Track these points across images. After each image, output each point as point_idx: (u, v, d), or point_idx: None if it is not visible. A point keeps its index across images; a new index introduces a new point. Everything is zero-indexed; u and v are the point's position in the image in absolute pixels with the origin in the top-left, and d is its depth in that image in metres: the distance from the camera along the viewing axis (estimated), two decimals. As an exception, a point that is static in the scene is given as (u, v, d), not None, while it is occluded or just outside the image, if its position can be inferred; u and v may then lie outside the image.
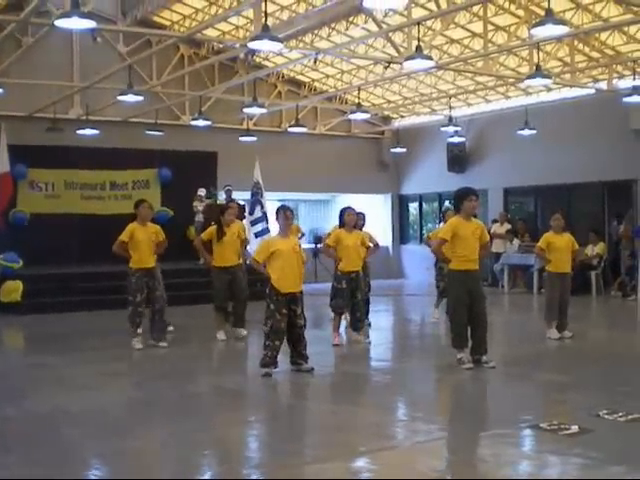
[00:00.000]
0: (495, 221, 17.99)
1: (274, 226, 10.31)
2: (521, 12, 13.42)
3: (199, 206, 16.16)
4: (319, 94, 19.01)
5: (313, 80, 19.45)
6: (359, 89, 16.55)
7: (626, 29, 13.80)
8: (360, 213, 10.45)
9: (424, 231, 21.15)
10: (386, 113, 20.85)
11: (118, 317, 10.67)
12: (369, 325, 10.96)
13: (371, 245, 10.30)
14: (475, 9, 13.49)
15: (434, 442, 5.60)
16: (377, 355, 9.57)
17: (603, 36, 14.34)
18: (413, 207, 22.02)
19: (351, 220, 9.81)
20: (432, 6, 13.15)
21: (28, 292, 13.37)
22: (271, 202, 17.12)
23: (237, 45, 15.11)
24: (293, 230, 9.93)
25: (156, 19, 17.00)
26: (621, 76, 15.49)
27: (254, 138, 17.94)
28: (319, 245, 16.78)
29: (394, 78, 17.04)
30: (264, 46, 10.38)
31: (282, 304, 7.74)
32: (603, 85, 15.55)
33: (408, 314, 14.78)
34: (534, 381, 7.68)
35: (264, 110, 16.35)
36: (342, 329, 10.28)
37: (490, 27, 13.89)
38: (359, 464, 5.13)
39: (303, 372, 7.91)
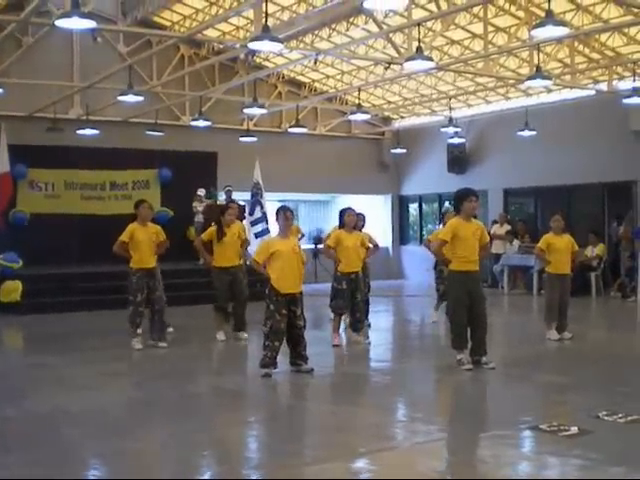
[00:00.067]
0: (495, 222, 17.99)
1: (274, 227, 10.31)
2: (521, 13, 13.42)
3: (199, 206, 16.16)
4: (319, 95, 19.02)
5: (313, 81, 19.45)
6: (359, 90, 16.53)
7: (626, 30, 13.80)
8: (360, 214, 10.46)
9: (424, 232, 21.17)
10: (386, 114, 20.86)
11: (118, 317, 10.68)
12: (369, 326, 10.95)
13: (371, 246, 10.31)
14: (475, 10, 13.49)
15: (434, 443, 5.60)
16: (377, 356, 9.57)
17: (603, 37, 14.34)
18: (413, 208, 22.03)
19: (351, 221, 9.82)
20: (432, 7, 13.17)
21: (28, 292, 13.38)
22: (271, 203, 17.12)
23: (237, 45, 15.11)
24: (293, 231, 9.91)
25: (156, 19, 17.00)
26: (621, 77, 15.49)
27: (254, 138, 17.94)
28: (319, 246, 16.78)
29: (394, 79, 17.04)
30: (264, 47, 10.38)
31: (282, 305, 7.74)
32: (603, 86, 15.55)
33: (408, 315, 14.78)
34: (534, 382, 7.68)
35: (264, 111, 16.35)
36: (342, 330, 10.28)
37: (490, 28, 13.89)
38: (359, 465, 5.14)
39: (303, 373, 7.91)
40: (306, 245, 17.50)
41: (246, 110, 15.86)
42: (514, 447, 5.50)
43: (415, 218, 22.04)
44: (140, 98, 14.48)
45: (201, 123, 16.39)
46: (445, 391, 7.79)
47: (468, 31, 14.63)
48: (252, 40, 9.85)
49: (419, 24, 11.57)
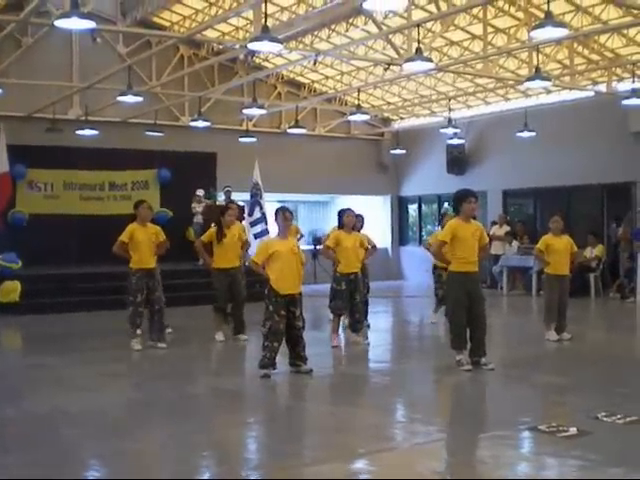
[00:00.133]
0: (494, 223, 18.00)
1: (273, 227, 10.31)
2: (521, 14, 13.43)
3: (197, 207, 16.17)
4: (319, 95, 19.02)
5: (313, 81, 19.45)
6: (359, 90, 16.55)
7: (625, 32, 13.81)
8: (358, 215, 10.46)
9: (423, 232, 21.19)
10: (386, 115, 20.86)
11: (117, 318, 10.68)
12: (368, 327, 10.96)
13: (369, 247, 10.32)
14: (475, 11, 13.50)
15: (433, 444, 5.60)
16: (376, 356, 9.57)
17: (602, 39, 14.35)
18: (412, 209, 22.03)
19: (350, 222, 9.83)
20: (432, 8, 13.18)
21: (27, 292, 13.37)
22: (270, 203, 17.11)
23: (237, 46, 15.11)
24: (292, 231, 9.93)
25: (156, 20, 17.00)
26: (620, 79, 15.50)
27: (253, 139, 17.94)
28: (318, 246, 16.78)
29: (394, 80, 17.04)
30: (264, 47, 10.38)
31: (281, 305, 7.74)
32: (602, 88, 15.56)
33: (407, 316, 14.78)
34: (533, 383, 7.69)
35: (264, 111, 16.34)
36: (341, 330, 10.28)
37: (490, 29, 13.90)
38: (358, 465, 5.14)
39: (302, 373, 7.91)
40: (305, 246, 17.50)
41: (245, 111, 15.86)
42: (513, 448, 5.50)
43: (414, 219, 22.04)
44: (139, 98, 14.48)
45: (200, 124, 16.39)
46: (444, 392, 7.80)
47: (467, 32, 14.63)
48: (251, 41, 9.85)
49: (419, 25, 11.57)
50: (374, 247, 10.76)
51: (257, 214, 17.04)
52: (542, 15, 11.37)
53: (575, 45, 14.35)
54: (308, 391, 7.66)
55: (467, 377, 7.79)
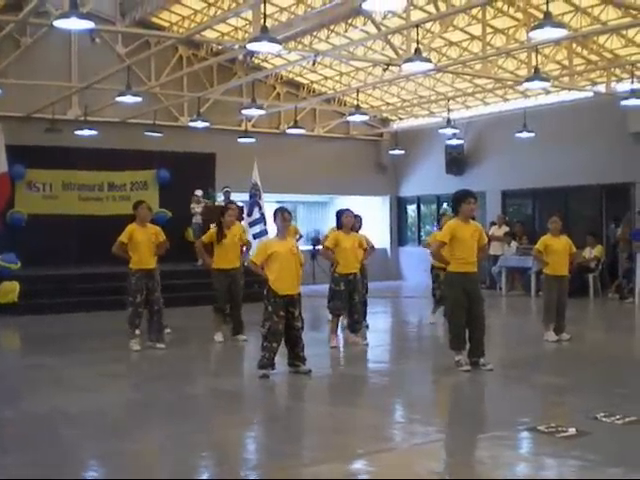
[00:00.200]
0: (493, 223, 18.00)
1: (272, 228, 10.31)
2: (520, 15, 13.44)
3: (196, 207, 16.16)
4: (318, 96, 19.02)
5: (312, 82, 19.46)
6: (358, 91, 16.55)
7: (624, 32, 13.82)
8: (357, 216, 10.46)
9: (422, 233, 21.19)
10: (385, 115, 20.87)
11: (116, 318, 10.68)
12: (367, 327, 10.97)
13: (368, 247, 10.32)
14: (474, 12, 13.51)
15: (432, 444, 5.60)
16: (375, 357, 9.57)
17: (601, 39, 14.36)
18: (411, 209, 22.04)
19: (349, 222, 9.83)
20: (431, 9, 13.19)
21: (25, 293, 13.36)
22: (269, 204, 17.11)
23: (236, 46, 15.11)
24: (291, 232, 9.92)
25: (155, 20, 17.00)
26: (619, 79, 15.51)
27: (252, 139, 17.94)
28: (317, 247, 16.78)
29: (393, 80, 17.05)
30: (263, 48, 10.38)
31: (280, 306, 7.74)
32: (601, 88, 15.56)
33: (406, 316, 14.78)
34: (532, 383, 7.69)
35: (262, 111, 16.34)
36: (340, 331, 10.28)
37: (489, 30, 13.91)
38: (357, 466, 5.14)
39: (301, 374, 7.91)
40: (304, 246, 17.49)
41: (244, 111, 15.86)
42: (512, 448, 5.51)
43: (413, 219, 22.05)
44: (138, 99, 14.48)
45: (199, 124, 16.39)
46: (443, 392, 7.80)
47: (466, 32, 14.64)
48: (251, 41, 9.85)
49: (417, 25, 11.57)
50: (372, 247, 10.76)
51: (256, 214, 17.03)
52: (541, 16, 11.35)
53: (574, 46, 14.36)
54: (307, 391, 7.66)
55: (466, 377, 7.79)
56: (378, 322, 12.43)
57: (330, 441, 5.71)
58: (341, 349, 9.85)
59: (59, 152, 16.27)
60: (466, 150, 19.37)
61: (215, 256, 10.10)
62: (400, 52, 13.12)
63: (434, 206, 20.83)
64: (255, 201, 17.13)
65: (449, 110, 17.79)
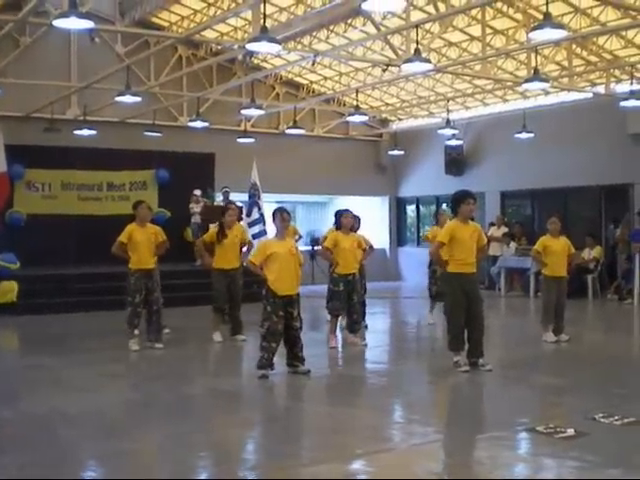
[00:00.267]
0: (492, 224, 18.01)
1: (271, 228, 10.31)
2: (519, 16, 13.44)
3: (195, 207, 16.16)
4: (317, 96, 19.02)
5: (311, 82, 19.46)
6: (357, 91, 16.55)
7: (624, 33, 13.82)
8: (355, 216, 10.46)
9: (421, 233, 21.17)
10: (384, 116, 20.87)
11: (115, 318, 10.68)
12: (365, 327, 10.96)
13: (367, 248, 10.32)
14: (473, 12, 13.51)
15: (430, 444, 5.61)
16: (373, 357, 9.57)
17: (601, 40, 14.37)
18: (410, 209, 22.04)
19: (348, 223, 9.83)
20: (431, 9, 13.19)
21: (24, 293, 13.35)
22: (268, 204, 17.11)
23: (235, 46, 15.11)
24: (290, 232, 9.93)
25: (154, 20, 16.99)
26: (619, 80, 15.51)
27: (252, 140, 17.94)
28: (316, 247, 16.78)
29: (392, 81, 17.05)
30: (262, 48, 10.37)
31: (279, 306, 7.74)
32: (601, 89, 15.56)
33: (405, 316, 14.78)
34: (530, 384, 7.69)
35: (262, 112, 16.34)
36: (339, 331, 10.28)
37: (488, 30, 13.91)
38: (355, 466, 5.14)
39: (299, 374, 7.91)
40: (303, 247, 17.49)
41: (244, 111, 15.85)
42: (510, 449, 5.51)
43: (412, 220, 22.06)
44: (138, 99, 14.47)
45: (199, 124, 16.39)
46: (442, 393, 7.80)
47: (466, 33, 14.64)
48: (250, 41, 9.84)
49: (417, 26, 11.56)
50: (371, 248, 10.77)
51: (255, 215, 17.00)
52: (541, 16, 11.37)
53: (573, 47, 14.36)
54: (306, 392, 7.65)
55: (465, 378, 7.80)
56: (377, 322, 12.43)
57: (329, 441, 5.71)
58: (340, 349, 9.85)
59: (58, 152, 16.27)
60: (465, 151, 19.37)
61: (216, 256, 10.09)
62: (399, 52, 13.12)
63: (433, 207, 20.76)
64: (254, 201, 17.11)
65: (448, 111, 17.79)
